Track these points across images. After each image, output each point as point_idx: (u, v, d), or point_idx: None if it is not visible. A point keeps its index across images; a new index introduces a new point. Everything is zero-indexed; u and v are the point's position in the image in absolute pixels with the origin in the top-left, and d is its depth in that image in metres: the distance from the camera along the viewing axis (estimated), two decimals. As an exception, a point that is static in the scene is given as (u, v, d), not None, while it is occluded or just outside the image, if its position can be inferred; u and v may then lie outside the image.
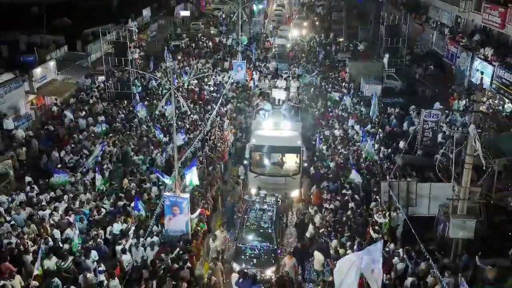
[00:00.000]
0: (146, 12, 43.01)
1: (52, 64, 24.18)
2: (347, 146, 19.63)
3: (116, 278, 11.11)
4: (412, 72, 30.40)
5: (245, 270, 11.73)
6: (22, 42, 26.02)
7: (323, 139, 20.26)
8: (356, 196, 15.69)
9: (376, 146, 19.13)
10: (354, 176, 16.14)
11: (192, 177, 13.89)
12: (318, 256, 13.39)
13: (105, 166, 16.48)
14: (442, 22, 29.36)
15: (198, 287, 11.57)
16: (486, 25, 22.44)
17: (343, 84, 28.28)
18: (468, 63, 23.42)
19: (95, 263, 11.72)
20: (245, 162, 17.30)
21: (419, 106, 23.32)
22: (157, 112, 20.87)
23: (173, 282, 10.86)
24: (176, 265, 11.59)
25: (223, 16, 52.23)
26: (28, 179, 16.18)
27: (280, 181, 16.85)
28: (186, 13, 48.83)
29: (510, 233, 13.99)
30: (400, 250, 12.87)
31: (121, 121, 21.04)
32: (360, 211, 14.96)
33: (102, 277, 11.22)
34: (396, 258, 12.86)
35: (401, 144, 18.78)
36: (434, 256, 13.00)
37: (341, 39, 38.74)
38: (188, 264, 11.82)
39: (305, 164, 17.40)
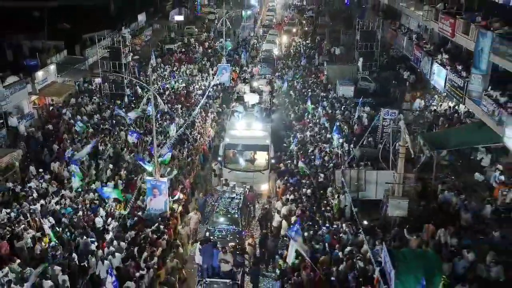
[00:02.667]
0: (142, 17, 45.53)
1: (52, 67, 26.68)
2: (315, 144, 21.95)
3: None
4: (386, 74, 32.89)
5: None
6: (25, 47, 28.42)
7: (297, 140, 22.55)
8: (313, 182, 18.11)
9: (341, 140, 21.58)
10: (302, 165, 18.49)
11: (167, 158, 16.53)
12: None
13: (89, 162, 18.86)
14: (410, 29, 31.80)
15: (172, 254, 13.98)
16: (441, 33, 24.86)
17: (320, 87, 30.69)
18: (428, 66, 25.87)
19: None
20: (219, 158, 19.57)
21: (390, 105, 26.00)
22: (139, 111, 22.86)
23: (153, 248, 13.35)
24: (155, 236, 14.07)
25: (217, 20, 54.73)
26: (32, 169, 18.69)
27: (250, 175, 19.00)
28: (180, 18, 51.31)
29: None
30: (344, 225, 15.33)
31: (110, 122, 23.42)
32: (315, 196, 17.37)
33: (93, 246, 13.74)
34: (342, 234, 15.33)
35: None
36: (374, 231, 15.54)
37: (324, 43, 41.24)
38: (165, 236, 14.30)
39: (273, 161, 19.65)
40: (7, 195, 16.76)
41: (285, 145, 22.70)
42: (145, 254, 13.00)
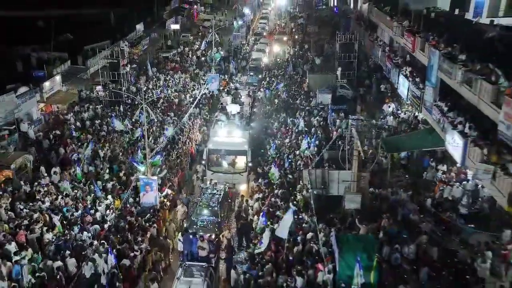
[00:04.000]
0: (140, 26, 48.44)
1: (58, 77, 29.59)
2: (291, 150, 24.79)
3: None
4: (363, 82, 35.83)
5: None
6: (33, 58, 31.33)
7: (275, 146, 25.37)
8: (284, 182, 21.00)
9: (310, 145, 24.44)
10: (274, 171, 21.36)
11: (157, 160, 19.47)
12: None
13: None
14: (384, 41, 34.72)
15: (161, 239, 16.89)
16: (405, 47, 27.80)
17: (302, 95, 33.55)
18: (396, 77, 28.79)
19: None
20: (203, 162, 22.36)
21: (365, 111, 29.14)
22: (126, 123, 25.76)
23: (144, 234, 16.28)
24: (146, 224, 16.99)
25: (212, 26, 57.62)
26: (42, 169, 21.59)
27: (231, 177, 21.72)
28: (176, 27, 54.22)
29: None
30: (306, 217, 18.22)
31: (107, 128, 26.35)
32: (285, 194, 20.24)
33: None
34: (304, 223, 18.22)
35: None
36: (333, 221, 18.42)
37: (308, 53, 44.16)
38: (155, 225, 17.21)
39: (251, 164, 22.40)
40: (21, 192, 19.64)
41: (262, 151, 25.49)
42: (138, 238, 15.91)
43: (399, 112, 28.42)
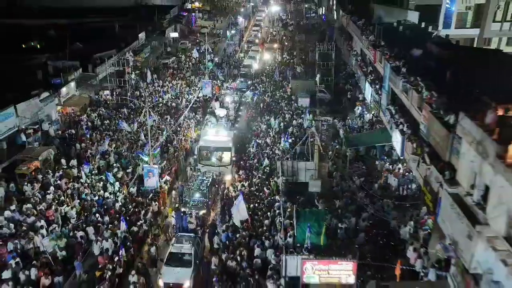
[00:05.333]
0: (142, 35, 53.09)
1: (72, 84, 34.25)
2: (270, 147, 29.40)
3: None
4: (339, 87, 40.53)
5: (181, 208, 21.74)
6: (49, 67, 35.96)
7: (256, 145, 29.82)
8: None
9: (290, 141, 29.08)
10: (266, 162, 26.13)
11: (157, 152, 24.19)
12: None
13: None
14: (357, 51, 39.39)
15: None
16: (370, 59, 32.52)
17: (285, 99, 38.18)
18: (363, 84, 33.49)
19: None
20: (195, 156, 27.00)
21: (339, 112, 33.96)
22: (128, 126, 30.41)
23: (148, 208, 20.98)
24: (151, 202, 21.70)
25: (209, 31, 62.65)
26: (63, 161, 26.23)
27: (218, 169, 26.25)
28: (175, 35, 58.89)
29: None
30: (277, 197, 22.85)
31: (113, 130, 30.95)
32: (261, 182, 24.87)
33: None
34: (276, 202, 22.83)
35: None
36: (298, 200, 23.03)
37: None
38: (156, 202, 21.89)
39: (234, 159, 26.99)
40: (48, 178, 24.29)
41: (247, 146, 30.18)
42: (143, 212, 20.62)
43: (366, 113, 33.07)
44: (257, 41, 58.96)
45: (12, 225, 20.22)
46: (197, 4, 79.59)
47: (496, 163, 11.57)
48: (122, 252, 17.87)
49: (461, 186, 14.04)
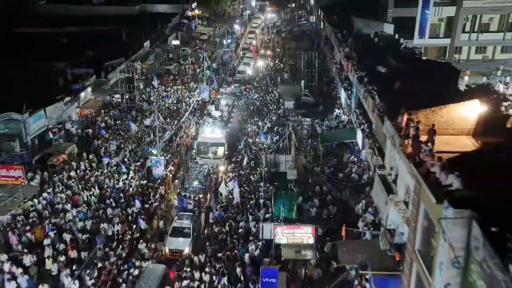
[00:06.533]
0: (147, 43, 58.41)
1: (89, 89, 39.60)
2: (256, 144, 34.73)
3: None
4: (322, 91, 45.86)
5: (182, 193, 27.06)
6: (68, 74, 41.24)
7: (245, 143, 35.06)
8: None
9: (275, 139, 34.39)
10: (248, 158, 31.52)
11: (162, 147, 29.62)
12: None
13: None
14: (336, 60, 44.76)
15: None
16: (345, 68, 37.89)
17: (274, 102, 43.47)
18: (340, 89, 38.85)
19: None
20: (194, 151, 32.46)
21: (321, 114, 39.30)
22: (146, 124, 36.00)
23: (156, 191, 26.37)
24: (157, 186, 27.06)
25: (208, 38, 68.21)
26: (84, 155, 31.53)
27: (213, 161, 31.66)
28: (177, 42, 64.17)
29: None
30: (262, 184, 28.15)
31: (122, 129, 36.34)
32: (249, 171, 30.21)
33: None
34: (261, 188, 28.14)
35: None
36: (278, 186, 28.30)
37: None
38: (162, 186, 27.25)
39: (226, 153, 32.32)
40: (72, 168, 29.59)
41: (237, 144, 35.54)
42: (152, 193, 25.99)
43: (341, 115, 38.38)
44: (252, 48, 64.16)
45: (49, 206, 25.52)
46: (197, 11, 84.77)
47: (400, 152, 16.89)
48: (141, 222, 23.20)
49: (386, 169, 19.38)
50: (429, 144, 15.34)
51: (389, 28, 47.20)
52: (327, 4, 63.34)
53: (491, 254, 10.43)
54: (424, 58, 51.00)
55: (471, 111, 17.61)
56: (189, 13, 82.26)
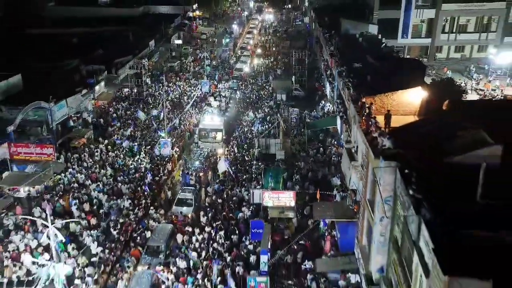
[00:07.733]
0: (151, 42, 63.15)
1: (102, 83, 44.36)
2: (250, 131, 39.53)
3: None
4: (313, 86, 50.66)
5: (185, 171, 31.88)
6: (83, 70, 45.99)
7: (240, 131, 39.86)
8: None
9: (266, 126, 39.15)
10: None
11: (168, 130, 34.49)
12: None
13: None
14: (324, 58, 49.48)
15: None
16: (331, 64, 42.64)
17: (268, 96, 48.25)
18: (326, 83, 43.61)
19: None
20: (196, 136, 37.30)
21: (310, 106, 44.06)
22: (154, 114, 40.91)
23: (165, 167, 31.20)
24: (165, 163, 31.89)
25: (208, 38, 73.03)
26: (100, 140, 36.28)
27: (212, 145, 36.45)
28: (179, 42, 68.92)
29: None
30: (254, 162, 32.90)
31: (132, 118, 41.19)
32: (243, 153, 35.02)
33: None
34: (254, 166, 32.87)
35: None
36: (268, 164, 33.07)
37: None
38: (170, 163, 32.07)
39: (224, 137, 37.17)
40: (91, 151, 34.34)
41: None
42: (162, 168, 30.84)
43: (326, 106, 43.12)
44: (249, 47, 68.97)
45: (74, 180, 30.30)
46: (197, 12, 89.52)
47: (358, 127, 21.65)
48: (147, 189, 28.13)
49: (351, 143, 24.16)
50: (378, 121, 20.10)
51: (373, 29, 52.05)
52: (319, 6, 68.08)
53: (403, 188, 15.17)
54: (407, 56, 56.53)
55: (415, 96, 22.40)
56: (190, 14, 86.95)
